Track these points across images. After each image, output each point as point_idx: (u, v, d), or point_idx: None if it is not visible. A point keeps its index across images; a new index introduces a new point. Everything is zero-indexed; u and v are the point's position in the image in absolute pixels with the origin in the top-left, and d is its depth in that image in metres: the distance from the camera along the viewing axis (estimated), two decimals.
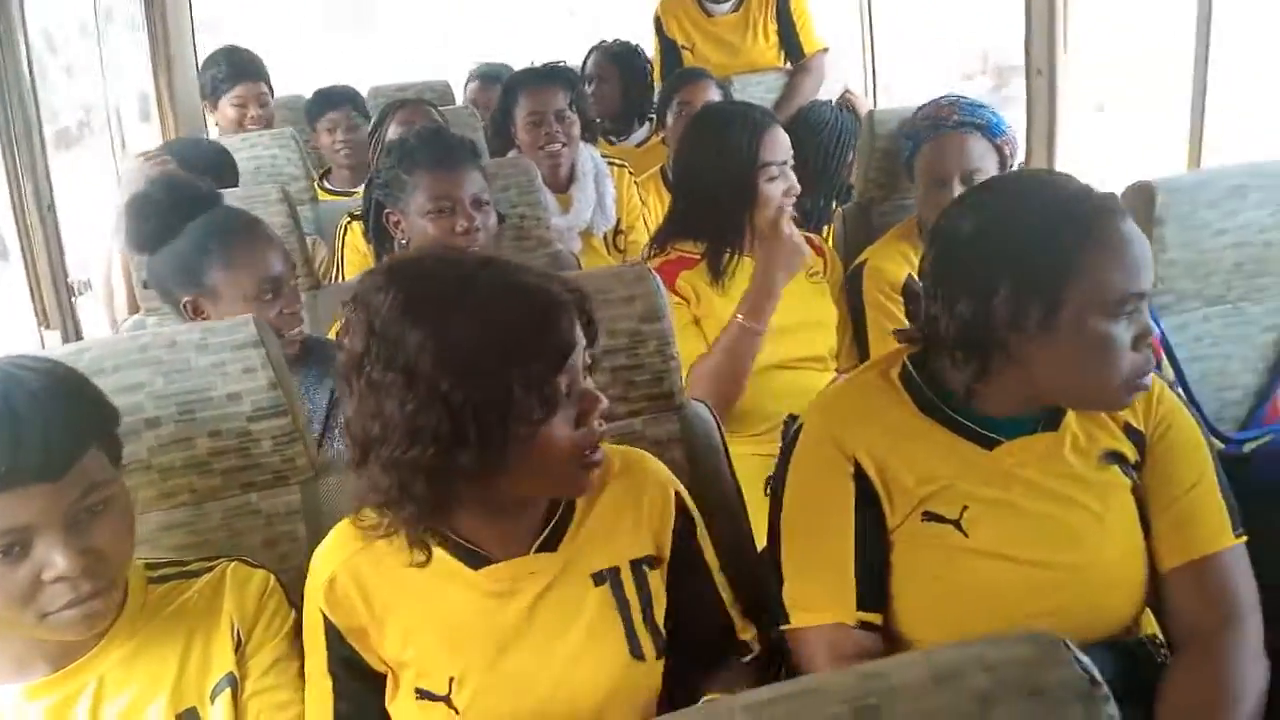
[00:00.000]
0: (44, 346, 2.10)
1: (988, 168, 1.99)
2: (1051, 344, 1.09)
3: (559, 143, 2.66)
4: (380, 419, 1.00)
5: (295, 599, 1.16)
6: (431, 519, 1.06)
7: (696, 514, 1.21)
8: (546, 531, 1.12)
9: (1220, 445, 1.49)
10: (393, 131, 2.67)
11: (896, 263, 2.06)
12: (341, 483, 1.34)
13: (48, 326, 2.09)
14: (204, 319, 1.63)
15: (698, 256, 1.99)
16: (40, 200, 2.05)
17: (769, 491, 1.76)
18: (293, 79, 4.18)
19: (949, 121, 1.99)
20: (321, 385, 1.70)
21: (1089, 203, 1.10)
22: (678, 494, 1.19)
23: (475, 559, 1.10)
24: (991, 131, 2.00)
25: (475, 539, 1.10)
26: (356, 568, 1.10)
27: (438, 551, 1.09)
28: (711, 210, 1.97)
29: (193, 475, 1.29)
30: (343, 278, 2.50)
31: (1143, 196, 1.57)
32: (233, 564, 1.17)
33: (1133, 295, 1.08)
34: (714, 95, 2.93)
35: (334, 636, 1.10)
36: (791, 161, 1.99)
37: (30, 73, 2.07)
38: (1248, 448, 1.60)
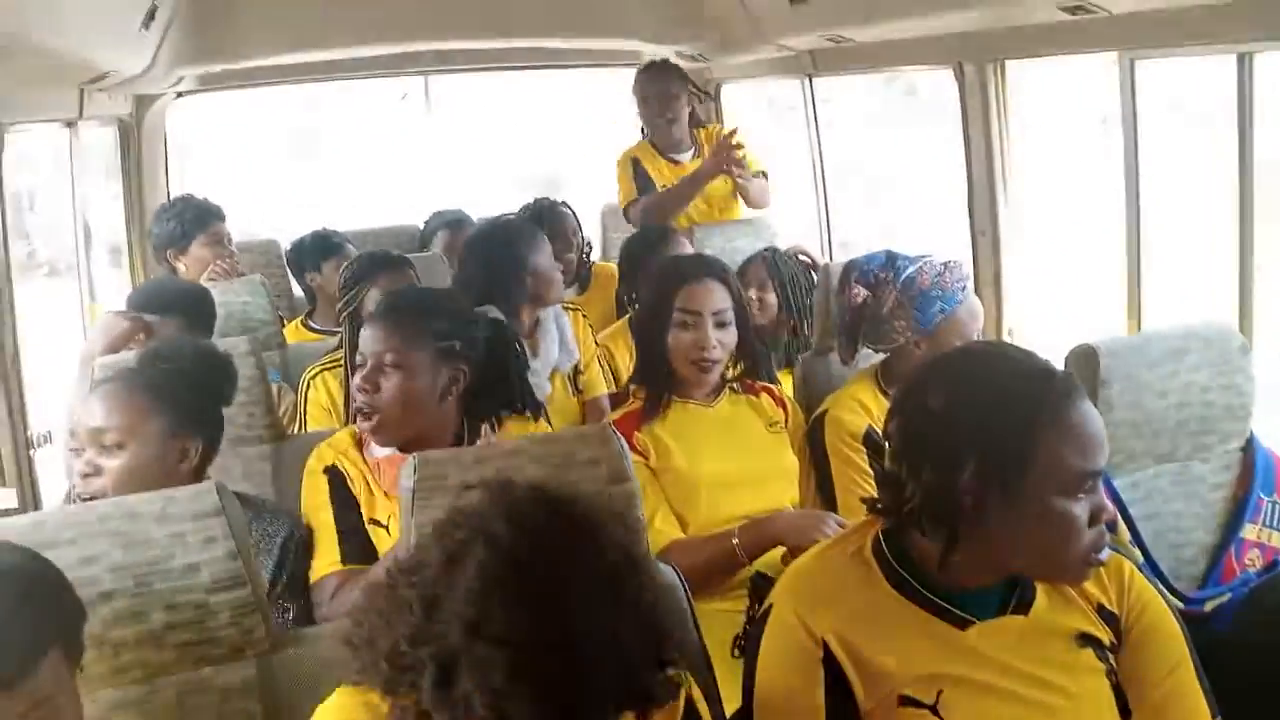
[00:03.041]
0: None
1: None
2: (1013, 518, 1.13)
3: (559, 299, 2.70)
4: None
5: None
6: None
7: None
8: None
9: (1180, 604, 1.52)
10: (376, 299, 2.67)
11: (856, 412, 2.11)
12: (299, 656, 1.31)
13: (3, 484, 2.04)
14: None
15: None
16: (4, 351, 2.04)
17: (736, 652, 1.77)
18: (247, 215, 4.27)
19: (967, 280, 2.08)
20: (265, 552, 1.67)
21: (1049, 383, 1.15)
22: None
23: None
24: None
25: None
26: None
27: None
28: (644, 352, 2.10)
29: (146, 650, 1.25)
30: (304, 430, 2.49)
31: (1087, 359, 1.64)
32: None
33: (1089, 474, 1.13)
34: (687, 248, 3.04)
35: None
36: (723, 317, 2.04)
37: (4, 227, 2.10)
38: (1208, 606, 1.63)
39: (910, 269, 2.12)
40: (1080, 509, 1.13)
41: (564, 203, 3.42)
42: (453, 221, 3.87)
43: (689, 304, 2.03)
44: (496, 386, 1.83)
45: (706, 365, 2.04)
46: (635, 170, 3.66)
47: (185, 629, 1.26)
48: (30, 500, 2.09)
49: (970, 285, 2.09)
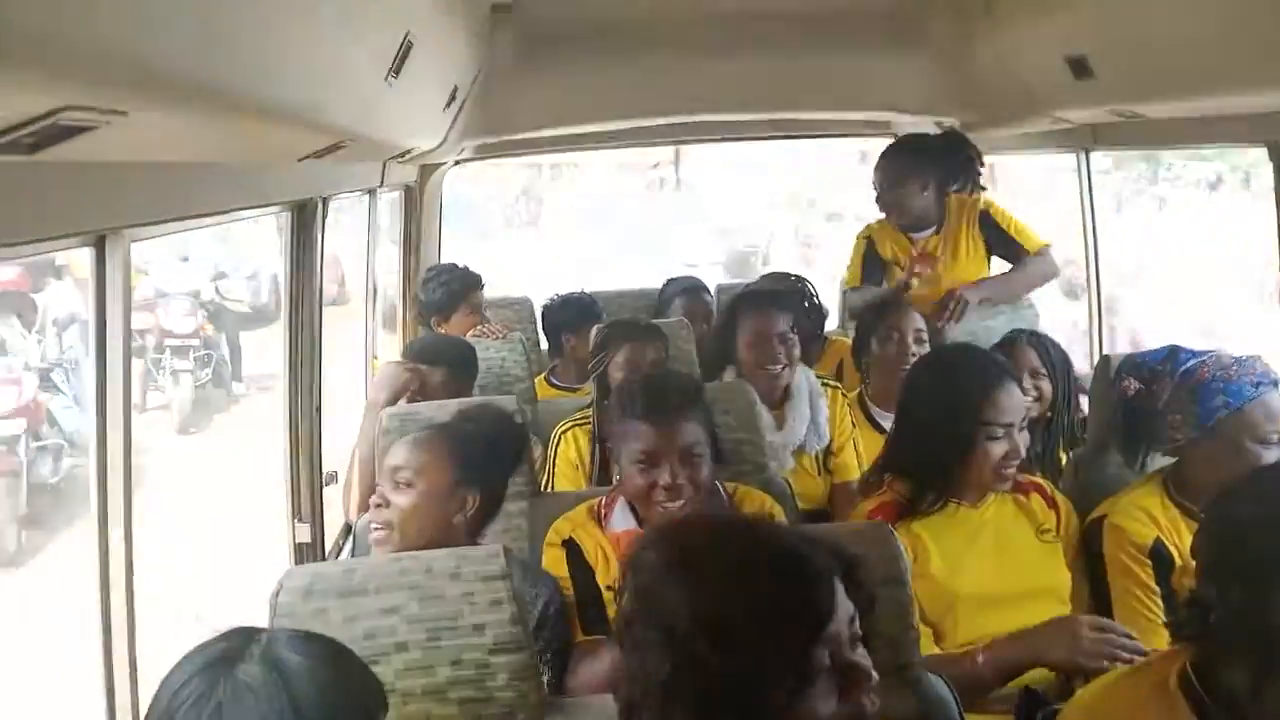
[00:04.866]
0: (295, 539, 2.26)
1: None
2: None
3: (779, 363, 2.70)
4: (641, 681, 1.00)
5: None
6: None
7: None
8: None
9: None
10: (620, 364, 2.75)
11: (1143, 522, 1.92)
12: None
13: (300, 520, 2.25)
14: None
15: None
16: (312, 401, 2.26)
17: None
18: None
19: (1267, 378, 1.85)
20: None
21: None
22: None
23: None
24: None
25: None
26: None
27: None
28: (927, 454, 1.92)
29: (430, 702, 1.32)
30: (553, 487, 2.58)
31: None
32: None
33: None
34: (919, 322, 2.96)
35: None
36: (1021, 423, 1.91)
37: (321, 287, 2.34)
38: None
39: (1191, 361, 1.93)
40: None
41: (797, 276, 3.41)
42: (689, 287, 3.95)
43: (1000, 417, 1.87)
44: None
45: (1012, 473, 1.91)
46: (867, 252, 3.60)
47: (466, 686, 1.32)
48: (320, 535, 2.29)
49: (1268, 383, 1.82)
